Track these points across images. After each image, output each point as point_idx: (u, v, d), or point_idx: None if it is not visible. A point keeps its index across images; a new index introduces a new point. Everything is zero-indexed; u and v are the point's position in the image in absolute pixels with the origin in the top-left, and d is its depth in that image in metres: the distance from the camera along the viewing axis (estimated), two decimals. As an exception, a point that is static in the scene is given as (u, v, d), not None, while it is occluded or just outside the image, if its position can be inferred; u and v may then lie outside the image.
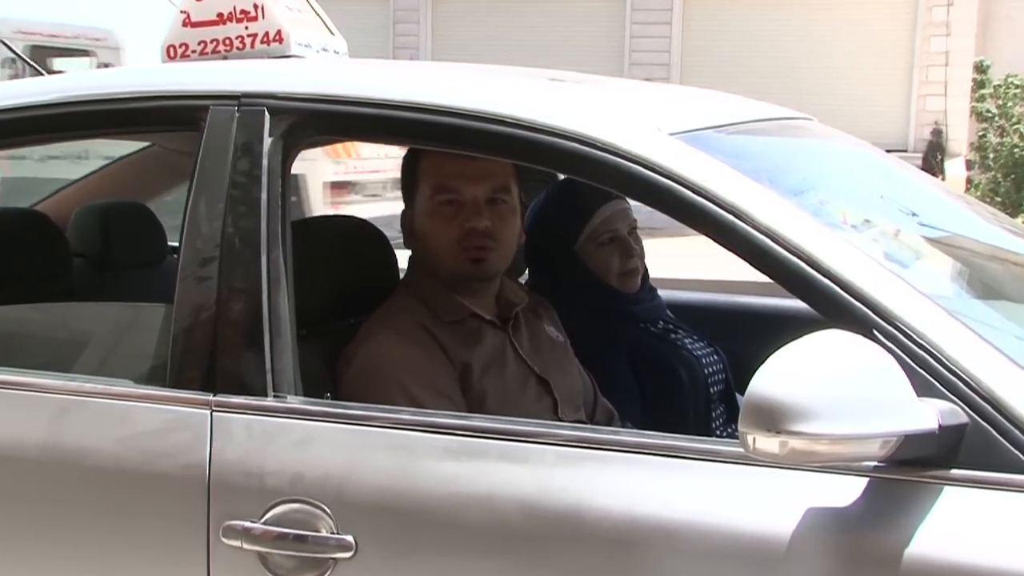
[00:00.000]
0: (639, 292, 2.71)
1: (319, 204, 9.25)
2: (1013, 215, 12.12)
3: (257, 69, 2.22)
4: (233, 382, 1.87)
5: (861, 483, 1.55)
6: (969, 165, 15.34)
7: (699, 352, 2.70)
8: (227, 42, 2.47)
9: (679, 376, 2.61)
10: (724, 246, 1.70)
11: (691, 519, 1.60)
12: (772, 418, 1.44)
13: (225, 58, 2.46)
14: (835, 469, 1.55)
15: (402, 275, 2.38)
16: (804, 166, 2.27)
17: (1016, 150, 14.21)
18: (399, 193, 2.35)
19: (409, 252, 2.33)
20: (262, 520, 1.78)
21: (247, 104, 1.97)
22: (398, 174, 2.34)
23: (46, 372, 2.06)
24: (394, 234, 2.42)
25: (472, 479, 1.71)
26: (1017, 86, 14.51)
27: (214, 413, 1.86)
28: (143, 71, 2.36)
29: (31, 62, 3.72)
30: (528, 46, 16.60)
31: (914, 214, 2.26)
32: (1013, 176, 14.19)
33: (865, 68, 16.04)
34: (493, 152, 1.99)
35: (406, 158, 2.30)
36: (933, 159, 15.72)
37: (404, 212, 2.31)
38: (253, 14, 2.45)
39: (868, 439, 1.48)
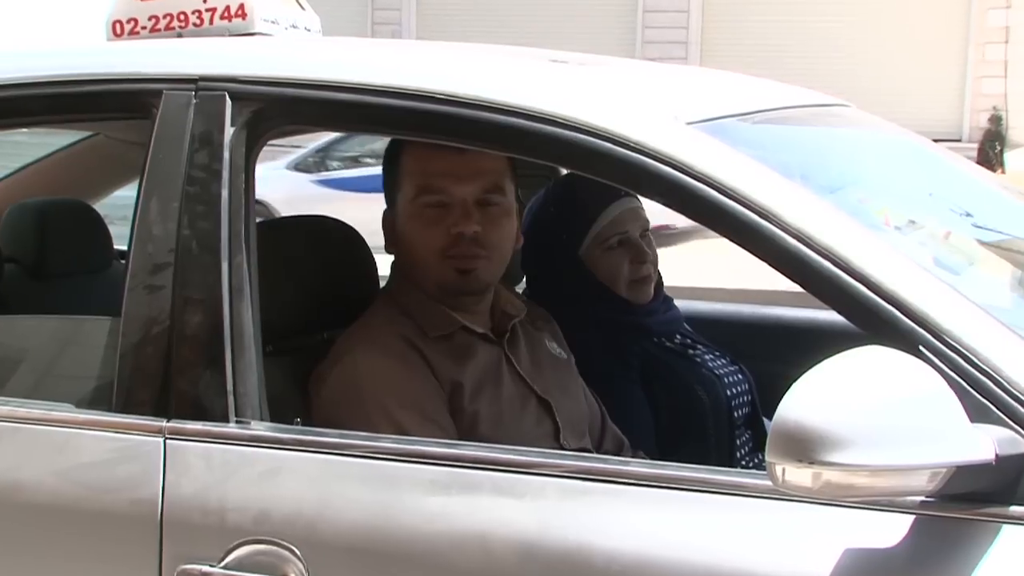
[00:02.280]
0: (652, 302, 2.72)
1: None
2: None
3: (217, 49, 2.24)
4: (189, 406, 1.88)
5: (906, 521, 1.56)
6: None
7: (721, 371, 2.71)
8: (182, 17, 2.48)
9: (698, 398, 2.62)
10: (749, 250, 1.71)
11: (711, 561, 1.61)
12: (804, 446, 1.45)
13: (180, 36, 2.47)
14: (876, 505, 1.56)
15: (383, 283, 2.39)
16: (840, 159, 2.28)
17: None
18: None
19: (391, 257, 2.34)
20: (222, 563, 1.78)
21: (205, 88, 1.98)
22: None
23: (-27, 394, 2.07)
24: (371, 234, 2.44)
25: (463, 516, 1.72)
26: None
27: (167, 441, 1.87)
28: (86, 50, 2.37)
29: None
30: (525, 22, 16.63)
31: (967, 214, 2.27)
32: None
33: (912, 46, 16.07)
34: (486, 144, 2.00)
35: (387, 152, 2.31)
36: (991, 150, 15.76)
37: (385, 213, 2.32)
38: (212, -15, 2.46)
39: (914, 471, 1.49)
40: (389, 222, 2.31)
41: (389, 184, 2.30)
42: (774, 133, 2.17)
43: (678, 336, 2.77)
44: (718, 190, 1.72)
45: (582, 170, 1.94)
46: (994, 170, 14.86)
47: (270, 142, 2.03)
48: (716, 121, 1.91)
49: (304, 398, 2.16)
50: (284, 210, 8.61)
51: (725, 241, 1.74)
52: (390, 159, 2.30)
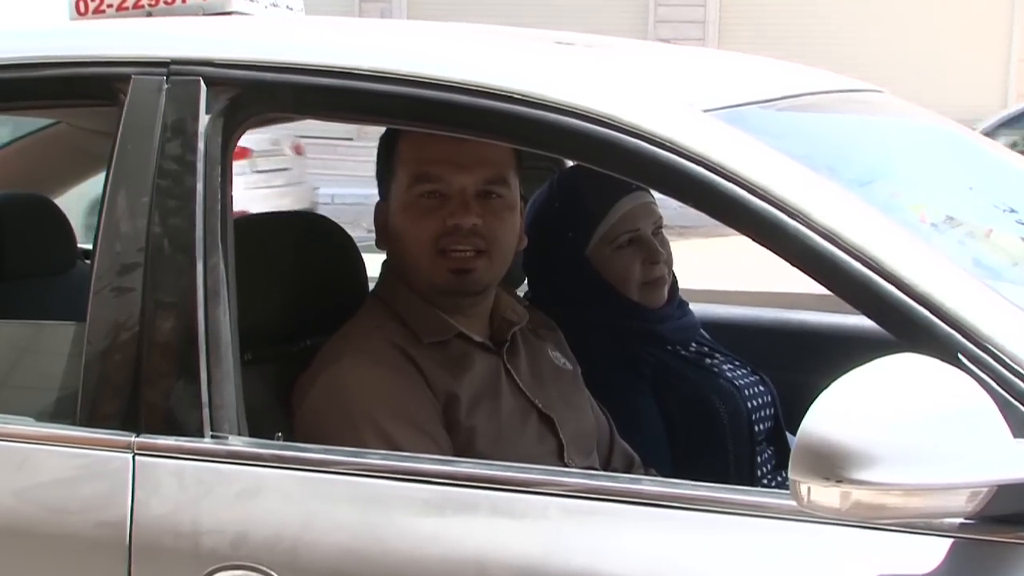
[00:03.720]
0: (666, 307, 2.72)
1: None
2: None
3: (190, 29, 2.24)
4: (161, 419, 1.88)
5: (943, 545, 1.56)
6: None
7: (741, 381, 2.71)
8: (152, -6, 2.49)
9: (716, 411, 2.62)
10: (772, 250, 1.72)
11: (731, 589, 1.62)
12: (831, 463, 1.46)
13: (150, 15, 2.48)
14: (910, 527, 1.57)
15: (372, 285, 2.39)
16: (872, 150, 2.29)
17: None
18: None
19: (383, 257, 2.34)
20: (197, 591, 1.79)
21: (178, 73, 1.98)
22: None
23: (-76, 407, 2.07)
24: (361, 233, 2.44)
25: (458, 539, 1.72)
26: None
27: (137, 458, 1.87)
28: (46, 31, 2.37)
29: None
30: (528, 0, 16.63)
31: (1011, 210, 2.27)
32: None
33: (950, 24, 16.06)
34: (484, 133, 2.01)
35: (383, 139, 2.32)
36: (1037, 139, 15.74)
37: (378, 205, 2.32)
38: (184, -41, 2.46)
39: (952, 490, 1.50)
40: (381, 215, 2.31)
41: (383, 172, 2.31)
42: (799, 121, 2.18)
43: (694, 344, 2.77)
44: (737, 183, 1.72)
45: (589, 162, 1.95)
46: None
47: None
48: (735, 108, 1.92)
49: (286, 411, 2.17)
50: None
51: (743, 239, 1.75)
52: (385, 145, 2.30)
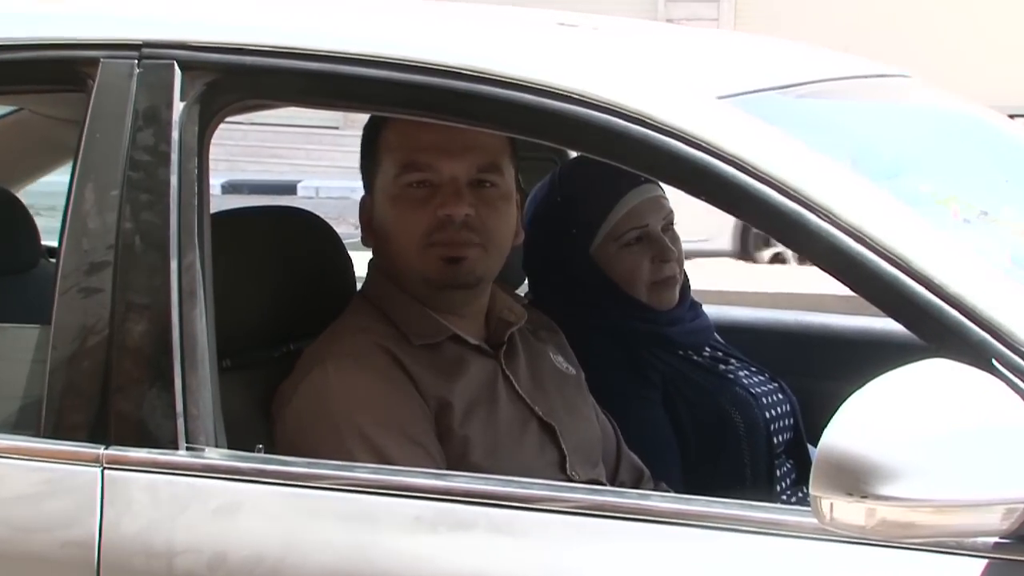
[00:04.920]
0: (677, 308, 2.72)
1: None
2: None
3: (164, 9, 2.24)
4: (132, 430, 1.88)
5: (977, 566, 1.56)
6: None
7: (758, 389, 2.71)
8: (123, -28, 2.48)
9: (731, 421, 2.62)
10: (792, 247, 1.72)
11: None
12: (855, 478, 1.46)
13: (120, -6, 2.48)
14: (941, 547, 1.57)
15: (360, 285, 2.39)
16: (899, 139, 2.28)
17: None
18: None
19: (369, 254, 2.34)
20: (171, 615, 1.79)
21: (151, 56, 1.98)
22: None
23: None
24: (348, 229, 2.43)
25: (454, 559, 1.72)
26: None
27: (106, 471, 1.87)
28: (9, 12, 2.37)
29: None
30: (528, -24, 16.62)
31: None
32: None
33: (984, 4, 16.07)
34: (481, 122, 2.00)
35: (366, 128, 2.32)
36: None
37: (363, 199, 2.32)
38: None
39: (986, 506, 1.50)
40: (367, 209, 2.31)
41: (367, 163, 2.31)
42: (820, 109, 2.18)
43: (707, 348, 2.77)
44: (754, 176, 1.72)
45: (594, 153, 1.95)
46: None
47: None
48: (752, 95, 1.92)
49: (267, 420, 2.17)
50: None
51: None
52: (368, 134, 2.30)
